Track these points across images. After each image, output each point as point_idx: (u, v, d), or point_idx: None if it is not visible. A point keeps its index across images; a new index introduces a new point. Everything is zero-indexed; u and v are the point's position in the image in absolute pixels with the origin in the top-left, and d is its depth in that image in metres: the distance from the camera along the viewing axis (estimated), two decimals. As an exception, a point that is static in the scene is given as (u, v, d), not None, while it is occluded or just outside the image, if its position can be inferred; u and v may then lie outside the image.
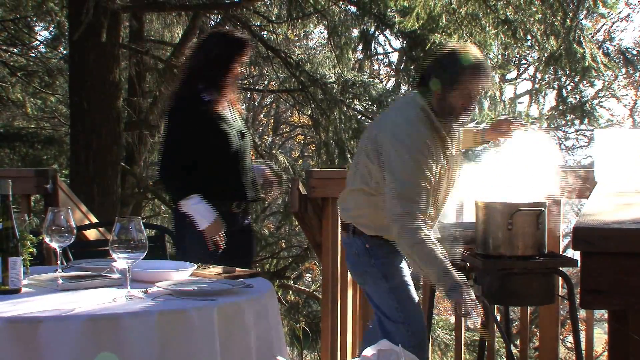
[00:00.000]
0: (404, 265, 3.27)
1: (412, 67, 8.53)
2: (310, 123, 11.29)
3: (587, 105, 10.53)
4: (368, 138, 3.16)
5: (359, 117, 8.70)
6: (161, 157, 3.70)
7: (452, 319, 7.68)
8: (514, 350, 3.96)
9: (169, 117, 3.66)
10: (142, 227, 2.38)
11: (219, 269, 2.89)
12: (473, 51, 3.05)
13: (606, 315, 1.80)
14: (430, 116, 3.03)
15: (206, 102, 3.54)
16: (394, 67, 14.39)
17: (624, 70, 13.84)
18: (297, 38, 12.17)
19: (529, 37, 8.13)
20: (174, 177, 3.55)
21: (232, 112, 3.68)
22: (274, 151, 11.20)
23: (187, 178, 3.52)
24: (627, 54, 12.71)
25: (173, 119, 3.61)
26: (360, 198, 3.21)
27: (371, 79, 9.55)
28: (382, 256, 3.23)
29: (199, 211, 3.49)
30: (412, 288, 3.27)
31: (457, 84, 2.96)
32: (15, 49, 10.61)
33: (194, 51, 3.69)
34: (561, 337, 12.16)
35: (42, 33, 12.06)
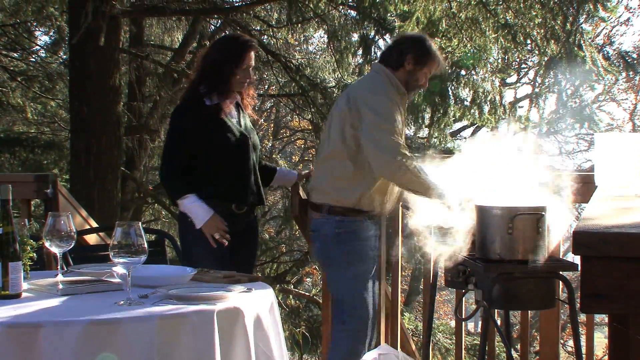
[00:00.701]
0: (370, 255, 3.48)
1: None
2: (310, 127, 11.29)
3: (587, 109, 10.54)
4: (343, 103, 3.47)
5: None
6: (161, 158, 3.75)
7: (453, 323, 7.67)
8: (515, 355, 3.96)
9: (170, 119, 3.72)
10: (142, 232, 2.38)
11: (218, 274, 2.89)
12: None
13: (606, 320, 1.80)
14: (397, 83, 3.49)
15: (208, 106, 3.56)
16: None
17: (624, 74, 13.85)
18: (297, 42, 12.19)
19: (529, 41, 8.13)
20: (172, 178, 3.59)
21: (240, 116, 3.69)
22: (274, 155, 11.20)
23: (185, 179, 3.55)
24: (627, 58, 12.72)
25: (173, 121, 3.68)
26: (334, 163, 3.43)
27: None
28: (350, 243, 3.42)
29: (194, 210, 3.52)
30: (371, 279, 3.48)
31: (427, 64, 3.52)
32: (15, 54, 10.63)
33: (201, 56, 3.73)
34: (562, 341, 12.14)
35: (42, 38, 12.09)
